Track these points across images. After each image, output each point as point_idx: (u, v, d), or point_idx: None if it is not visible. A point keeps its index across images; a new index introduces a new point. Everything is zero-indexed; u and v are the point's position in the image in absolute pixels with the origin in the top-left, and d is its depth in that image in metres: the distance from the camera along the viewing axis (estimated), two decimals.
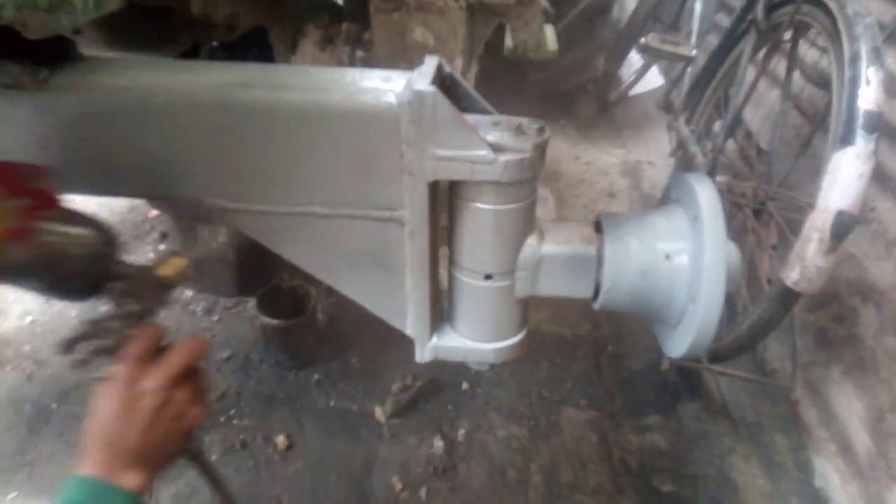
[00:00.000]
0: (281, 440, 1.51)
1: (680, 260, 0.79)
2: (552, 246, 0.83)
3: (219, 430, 1.53)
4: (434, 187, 0.78)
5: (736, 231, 1.74)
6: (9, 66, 0.75)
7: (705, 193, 0.79)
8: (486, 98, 0.86)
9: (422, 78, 0.72)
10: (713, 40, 2.45)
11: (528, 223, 0.82)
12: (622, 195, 2.66)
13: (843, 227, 1.18)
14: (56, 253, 0.70)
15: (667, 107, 2.33)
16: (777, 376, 1.70)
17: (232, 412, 1.58)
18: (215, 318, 1.85)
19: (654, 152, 2.93)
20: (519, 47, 2.03)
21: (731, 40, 1.93)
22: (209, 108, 0.74)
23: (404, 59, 1.41)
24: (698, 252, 0.77)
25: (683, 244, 0.79)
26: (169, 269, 0.75)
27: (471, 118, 0.79)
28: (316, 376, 1.67)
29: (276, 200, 0.80)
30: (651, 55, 2.59)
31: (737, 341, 1.46)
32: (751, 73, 1.76)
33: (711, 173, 1.75)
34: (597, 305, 0.86)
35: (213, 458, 1.46)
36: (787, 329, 1.54)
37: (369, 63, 1.43)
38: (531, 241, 0.83)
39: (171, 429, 0.70)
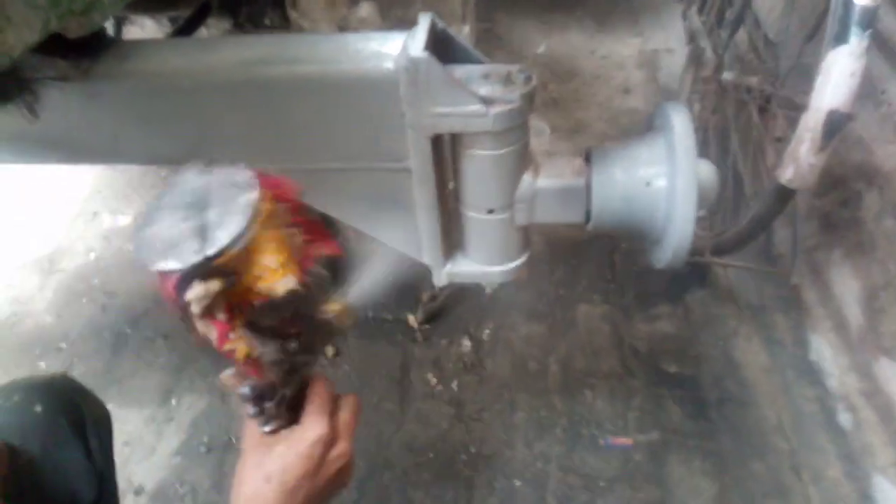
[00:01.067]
0: (329, 348, 1.71)
1: (658, 186, 0.89)
2: (546, 180, 0.93)
3: None
4: (436, 139, 0.87)
5: (743, 126, 1.78)
6: (56, 62, 0.85)
7: (679, 123, 0.87)
8: None
9: (415, 42, 0.80)
10: None
11: (522, 161, 0.92)
12: (638, 90, 2.65)
13: (834, 125, 1.23)
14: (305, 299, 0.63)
15: None
16: (782, 261, 1.80)
17: None
18: None
19: (672, 38, 2.87)
20: None
21: None
22: (232, 86, 0.84)
23: None
24: (673, 179, 0.87)
25: (661, 171, 0.89)
26: (339, 314, 0.70)
27: (463, 70, 0.87)
28: None
29: (298, 159, 0.92)
30: None
31: (738, 235, 1.56)
32: None
33: (719, 69, 1.77)
34: (588, 228, 0.97)
35: None
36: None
37: None
38: (527, 176, 0.93)
39: (339, 486, 0.69)
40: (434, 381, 1.62)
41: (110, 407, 1.62)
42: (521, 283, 1.85)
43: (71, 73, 0.86)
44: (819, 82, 1.24)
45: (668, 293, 1.83)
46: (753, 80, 1.68)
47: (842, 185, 1.78)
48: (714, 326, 1.74)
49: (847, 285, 1.63)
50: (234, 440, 1.52)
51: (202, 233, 0.56)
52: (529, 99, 0.85)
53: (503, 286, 1.83)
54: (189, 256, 0.54)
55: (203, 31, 1.57)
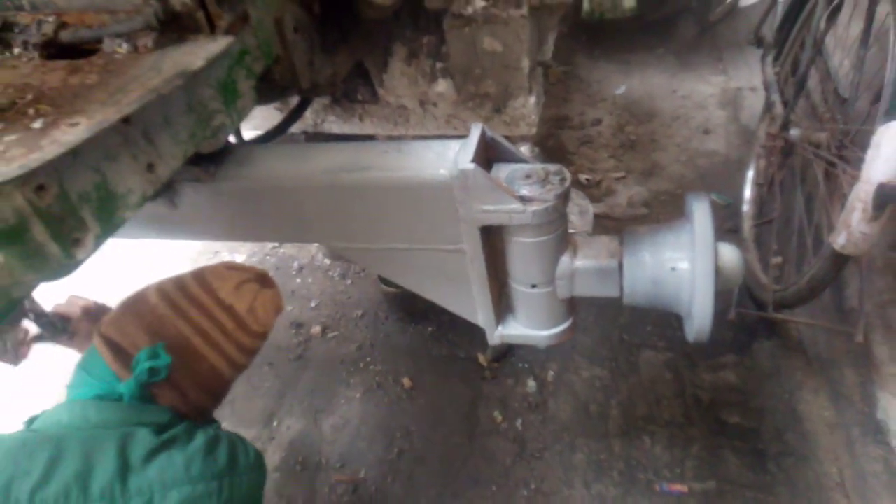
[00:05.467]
0: (406, 381, 1.90)
1: (682, 270, 1.00)
2: (583, 261, 1.07)
3: (360, 375, 1.96)
4: (485, 228, 1.04)
5: (812, 181, 1.80)
6: (191, 168, 1.10)
7: (700, 213, 0.98)
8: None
9: (465, 153, 0.97)
10: None
11: (560, 245, 1.06)
12: (718, 130, 2.67)
13: (884, 198, 1.26)
14: None
15: (758, 42, 2.30)
16: (852, 315, 1.79)
17: (368, 360, 2.00)
18: (349, 281, 2.26)
19: (756, 76, 2.84)
20: (595, 10, 2.13)
21: None
22: (321, 188, 1.05)
23: (477, 65, 1.62)
24: (693, 265, 0.97)
25: (684, 256, 1.00)
26: None
27: (508, 170, 1.03)
28: (430, 329, 2.04)
29: (371, 241, 1.11)
30: None
31: (798, 293, 1.59)
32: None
33: (786, 125, 1.80)
34: (624, 302, 1.09)
35: (357, 396, 1.90)
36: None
37: (448, 72, 1.66)
38: (565, 257, 1.07)
39: None
40: (500, 418, 1.77)
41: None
42: (586, 326, 1.97)
43: (202, 175, 1.11)
44: (869, 155, 1.28)
45: (735, 343, 1.87)
46: (822, 137, 1.71)
47: None
48: (780, 378, 1.76)
49: None
50: (323, 461, 1.74)
51: None
52: (564, 197, 1.00)
53: None
54: None
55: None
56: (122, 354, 0.99)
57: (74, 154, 0.69)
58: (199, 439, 0.96)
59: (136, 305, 1.07)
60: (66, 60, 0.89)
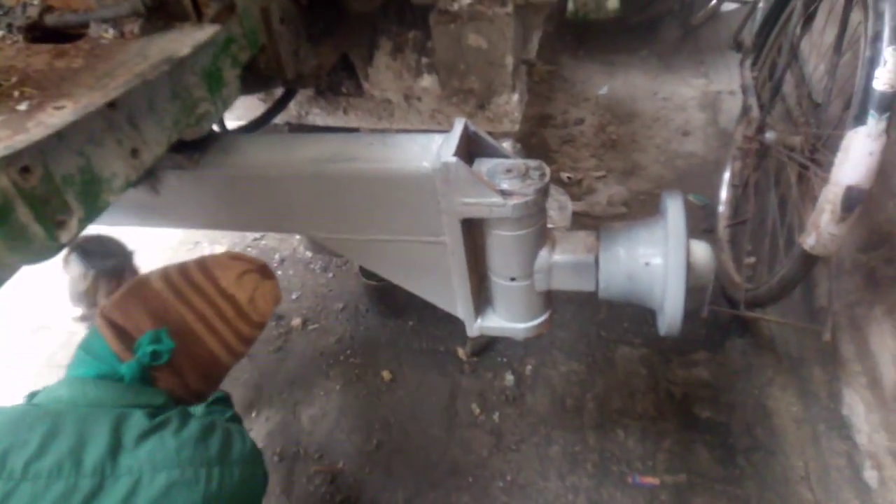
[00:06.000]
0: (386, 374, 1.92)
1: (655, 266, 1.03)
2: (560, 255, 1.09)
3: (340, 367, 1.97)
4: (466, 221, 1.06)
5: (785, 183, 1.84)
6: (174, 155, 1.10)
7: (673, 211, 1.01)
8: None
9: (448, 146, 0.99)
10: None
11: (539, 239, 1.08)
12: (697, 132, 2.72)
13: (852, 200, 1.31)
14: None
15: (737, 46, 2.34)
16: (821, 314, 1.84)
17: (348, 352, 2.01)
18: (330, 274, 2.27)
19: (736, 80, 2.90)
20: (580, 11, 2.16)
21: None
22: (307, 177, 1.06)
23: (462, 61, 1.64)
24: (666, 260, 1.00)
25: (657, 252, 1.03)
26: None
27: (489, 164, 1.05)
28: (410, 323, 2.05)
29: (355, 232, 1.12)
30: None
31: (770, 292, 1.64)
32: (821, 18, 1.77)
33: (762, 129, 1.85)
34: (599, 297, 1.12)
35: (337, 387, 1.91)
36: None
37: (433, 67, 1.67)
38: (544, 251, 1.09)
39: None
40: (478, 411, 1.79)
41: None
42: (564, 322, 2.00)
43: (185, 163, 1.11)
44: (839, 159, 1.32)
45: (708, 340, 1.92)
46: (795, 141, 1.75)
47: (888, 242, 1.80)
48: (750, 375, 1.81)
49: (885, 344, 1.66)
50: (301, 452, 1.75)
51: None
52: (543, 192, 1.02)
53: None
54: None
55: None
56: (124, 336, 1.02)
57: (60, 137, 0.69)
58: (194, 425, 0.98)
59: (139, 290, 1.10)
60: (51, 44, 0.89)
